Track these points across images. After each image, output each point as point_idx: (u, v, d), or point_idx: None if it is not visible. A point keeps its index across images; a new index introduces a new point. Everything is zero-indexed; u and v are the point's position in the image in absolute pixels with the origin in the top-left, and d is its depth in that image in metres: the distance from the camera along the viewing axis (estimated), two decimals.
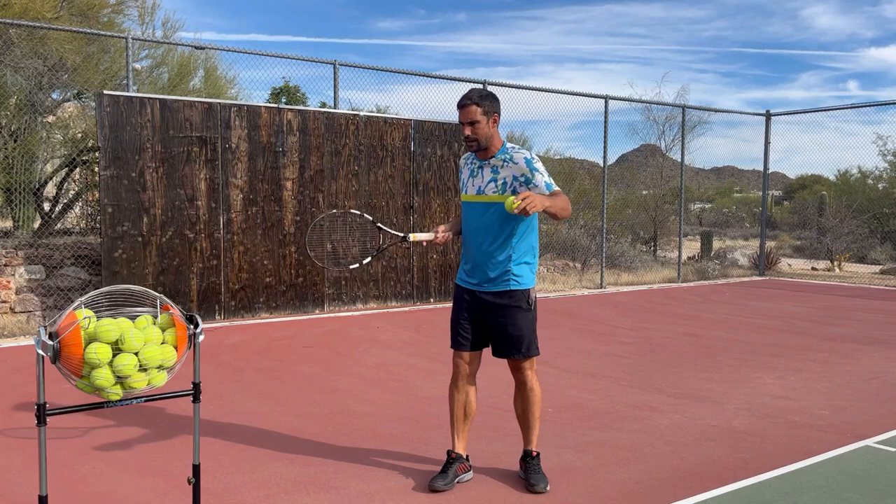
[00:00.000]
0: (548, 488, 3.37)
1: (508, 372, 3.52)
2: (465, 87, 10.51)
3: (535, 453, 3.49)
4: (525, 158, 3.29)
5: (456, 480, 3.43)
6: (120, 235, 7.36)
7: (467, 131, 3.30)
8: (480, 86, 10.38)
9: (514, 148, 3.35)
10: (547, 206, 3.11)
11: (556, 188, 3.27)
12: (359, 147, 8.87)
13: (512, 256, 3.34)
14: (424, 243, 3.50)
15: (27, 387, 5.11)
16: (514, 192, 3.27)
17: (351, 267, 3.62)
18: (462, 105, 3.30)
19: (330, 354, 6.41)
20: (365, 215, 3.46)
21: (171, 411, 4.54)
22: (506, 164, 3.31)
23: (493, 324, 3.38)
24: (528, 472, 3.43)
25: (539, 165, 3.29)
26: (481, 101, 3.28)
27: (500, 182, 3.31)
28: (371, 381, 5.48)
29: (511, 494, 3.35)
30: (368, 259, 3.62)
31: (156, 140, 7.52)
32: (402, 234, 3.49)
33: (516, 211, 2.99)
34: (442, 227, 3.52)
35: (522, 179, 3.27)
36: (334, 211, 3.58)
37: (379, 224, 3.56)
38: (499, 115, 3.35)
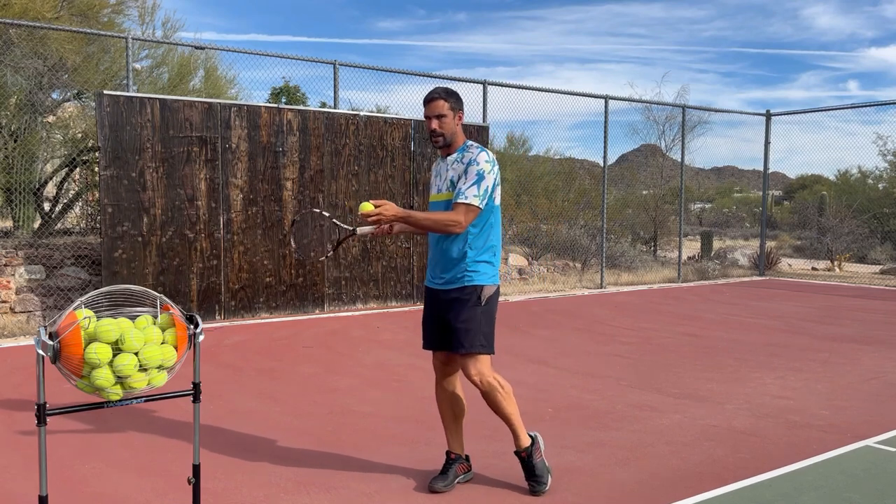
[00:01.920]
0: (546, 489, 3.36)
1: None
2: (465, 87, 10.53)
3: (524, 453, 3.39)
4: (471, 160, 3.25)
5: (456, 481, 3.43)
6: (120, 235, 7.36)
7: (434, 125, 3.28)
8: (480, 86, 10.39)
9: (471, 146, 3.33)
10: (401, 216, 3.12)
11: (469, 201, 3.17)
12: (359, 147, 8.87)
13: (468, 255, 3.30)
14: (369, 235, 3.52)
15: (27, 387, 5.12)
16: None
17: (317, 258, 3.67)
18: (430, 99, 3.30)
19: (330, 354, 6.41)
20: (324, 213, 3.45)
21: (171, 411, 4.54)
22: (457, 161, 3.31)
23: (447, 319, 3.32)
24: (526, 475, 3.41)
25: (477, 169, 3.21)
26: (448, 96, 3.30)
27: (449, 180, 3.32)
28: (371, 381, 5.48)
29: (511, 495, 3.35)
30: (331, 250, 3.62)
31: (156, 140, 7.52)
32: (351, 228, 3.41)
33: (369, 221, 3.08)
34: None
35: (458, 180, 3.27)
36: (303, 212, 3.57)
37: (334, 220, 3.52)
38: (463, 113, 3.36)
